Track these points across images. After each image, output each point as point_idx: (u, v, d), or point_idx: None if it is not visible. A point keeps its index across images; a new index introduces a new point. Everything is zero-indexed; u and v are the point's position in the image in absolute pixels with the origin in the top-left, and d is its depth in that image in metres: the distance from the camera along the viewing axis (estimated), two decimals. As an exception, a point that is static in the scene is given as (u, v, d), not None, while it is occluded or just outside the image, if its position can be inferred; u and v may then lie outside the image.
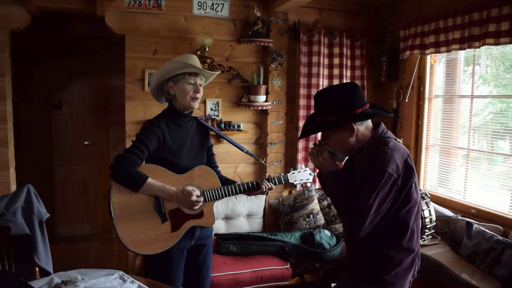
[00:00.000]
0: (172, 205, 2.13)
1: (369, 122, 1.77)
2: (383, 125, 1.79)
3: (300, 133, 1.96)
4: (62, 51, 4.55)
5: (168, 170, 2.13)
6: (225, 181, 2.32)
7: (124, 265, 3.77)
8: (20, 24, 3.20)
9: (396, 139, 1.77)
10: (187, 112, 2.23)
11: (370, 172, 1.64)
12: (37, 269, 2.51)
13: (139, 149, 2.04)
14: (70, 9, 3.34)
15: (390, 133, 1.78)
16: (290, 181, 2.35)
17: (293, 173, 2.36)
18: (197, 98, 2.17)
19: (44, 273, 2.51)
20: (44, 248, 2.61)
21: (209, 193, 2.17)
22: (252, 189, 2.25)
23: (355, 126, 1.71)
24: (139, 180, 2.02)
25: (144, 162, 2.11)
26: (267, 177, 2.29)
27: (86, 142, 4.81)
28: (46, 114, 4.66)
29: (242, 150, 2.51)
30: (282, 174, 2.35)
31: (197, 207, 2.13)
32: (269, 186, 2.25)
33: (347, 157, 1.87)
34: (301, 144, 3.90)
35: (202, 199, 2.14)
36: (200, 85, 2.19)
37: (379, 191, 1.59)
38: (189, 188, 2.11)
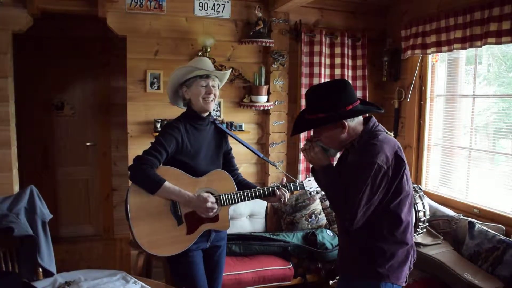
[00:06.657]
0: (188, 208, 2.13)
1: (360, 117, 1.78)
2: (374, 119, 1.80)
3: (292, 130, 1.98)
4: (64, 52, 4.56)
5: (185, 173, 2.14)
6: (246, 185, 2.31)
7: (127, 266, 3.78)
8: (22, 26, 3.21)
9: (387, 132, 1.78)
10: (205, 115, 2.23)
11: (360, 164, 1.65)
12: (40, 269, 2.51)
13: (157, 151, 2.05)
14: (72, 11, 3.34)
15: (381, 127, 1.79)
16: (306, 189, 2.33)
17: (309, 180, 2.35)
18: (209, 99, 2.18)
19: (47, 273, 2.51)
20: (47, 249, 2.61)
21: (225, 197, 2.17)
22: (268, 195, 2.24)
23: (346, 123, 1.72)
24: (156, 183, 2.02)
25: (162, 164, 2.11)
26: (283, 183, 2.27)
27: (88, 143, 4.82)
28: (48, 115, 4.67)
29: (259, 156, 2.53)
30: (298, 181, 2.34)
31: (211, 214, 2.12)
32: (285, 193, 2.24)
33: (339, 152, 1.88)
34: (302, 144, 3.89)
35: (216, 205, 2.12)
36: (214, 87, 2.20)
37: (369, 183, 1.60)
38: (205, 194, 2.10)
